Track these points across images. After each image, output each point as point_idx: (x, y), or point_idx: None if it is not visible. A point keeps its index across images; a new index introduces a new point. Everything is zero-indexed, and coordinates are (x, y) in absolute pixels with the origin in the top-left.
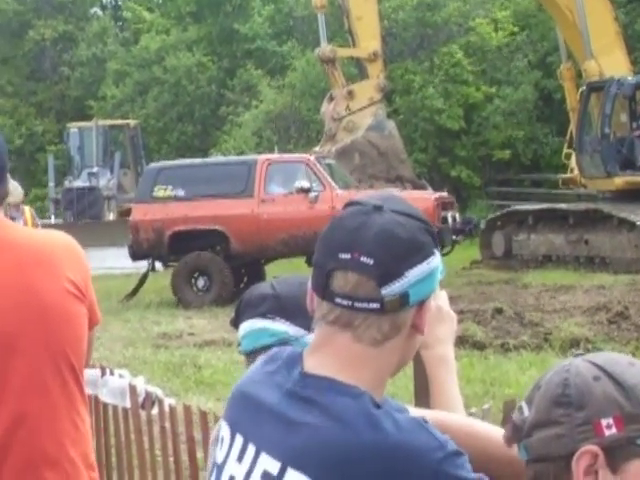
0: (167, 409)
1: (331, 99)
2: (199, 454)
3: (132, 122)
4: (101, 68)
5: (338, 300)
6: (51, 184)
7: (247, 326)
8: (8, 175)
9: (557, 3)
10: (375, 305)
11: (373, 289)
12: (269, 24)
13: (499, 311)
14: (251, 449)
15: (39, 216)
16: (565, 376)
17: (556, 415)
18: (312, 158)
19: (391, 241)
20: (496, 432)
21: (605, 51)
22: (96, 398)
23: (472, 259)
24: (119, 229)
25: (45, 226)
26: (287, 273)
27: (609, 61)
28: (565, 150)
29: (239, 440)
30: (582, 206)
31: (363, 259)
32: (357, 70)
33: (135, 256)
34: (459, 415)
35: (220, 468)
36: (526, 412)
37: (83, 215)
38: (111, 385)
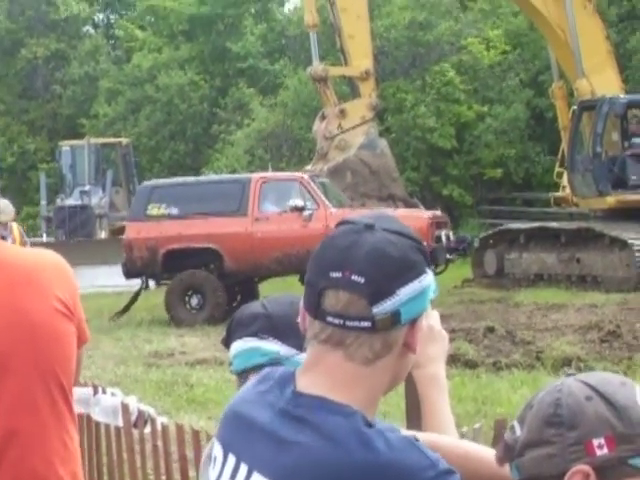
0: (159, 428)
1: (323, 118)
2: (191, 473)
3: (124, 140)
4: (93, 86)
5: (330, 319)
6: (43, 202)
7: (238, 346)
8: None
9: (549, 22)
10: (366, 324)
11: (364, 308)
12: (261, 43)
13: (491, 330)
14: (243, 468)
15: (31, 234)
16: (557, 396)
17: (548, 435)
18: (306, 177)
19: (382, 260)
20: (487, 452)
21: (597, 70)
22: (88, 417)
23: (464, 277)
24: (111, 247)
25: (37, 244)
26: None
27: (601, 80)
28: (557, 169)
29: (232, 460)
30: (574, 225)
31: (354, 278)
32: (349, 89)
33: (129, 274)
34: (450, 437)
35: None
36: (518, 431)
37: (75, 233)
38: (103, 404)
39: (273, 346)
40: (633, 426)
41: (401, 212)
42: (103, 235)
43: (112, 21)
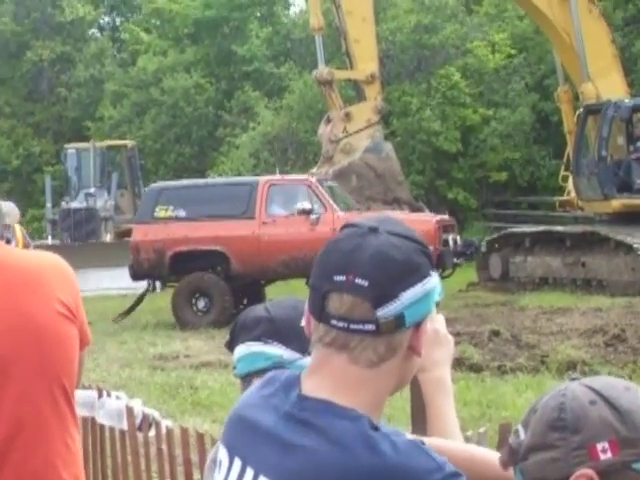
0: (164, 431)
1: (328, 121)
2: (196, 476)
3: (129, 143)
4: (99, 89)
5: (334, 322)
6: (48, 205)
7: (242, 350)
8: None
9: (554, 26)
10: (370, 327)
11: (368, 311)
12: (267, 46)
13: (496, 333)
14: (249, 472)
15: (36, 237)
16: (561, 400)
17: (552, 439)
18: (314, 180)
19: (386, 263)
20: (493, 456)
21: (602, 74)
22: (93, 420)
23: (469, 281)
24: (116, 250)
25: (42, 247)
26: (287, 295)
27: (606, 84)
28: (562, 172)
29: (237, 464)
30: (579, 229)
31: (358, 281)
32: (354, 92)
33: (136, 276)
34: (456, 441)
35: None
36: (522, 435)
37: (80, 236)
38: (108, 407)
39: (276, 350)
40: (637, 430)
41: (409, 216)
42: (108, 238)
43: (118, 24)
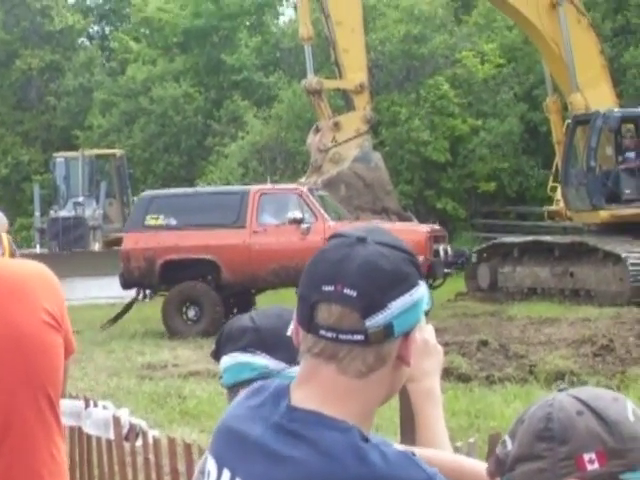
0: (151, 441)
1: (317, 130)
2: None
3: (118, 152)
4: (88, 98)
5: (322, 332)
6: (37, 213)
7: (228, 360)
8: None
9: (543, 36)
10: (359, 337)
11: (357, 321)
12: (256, 55)
13: (484, 343)
14: None
15: (24, 246)
16: (548, 410)
17: (539, 449)
18: (305, 189)
19: (374, 273)
20: (481, 467)
21: (591, 84)
22: (80, 430)
23: (458, 291)
24: (104, 259)
25: (30, 256)
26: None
27: (595, 94)
28: (551, 183)
29: (226, 474)
30: (567, 239)
31: (346, 291)
32: (343, 102)
33: (126, 285)
34: (445, 451)
35: None
36: (509, 446)
37: (68, 245)
38: (95, 417)
39: (262, 361)
40: (624, 441)
41: (400, 226)
42: (97, 247)
43: (107, 33)
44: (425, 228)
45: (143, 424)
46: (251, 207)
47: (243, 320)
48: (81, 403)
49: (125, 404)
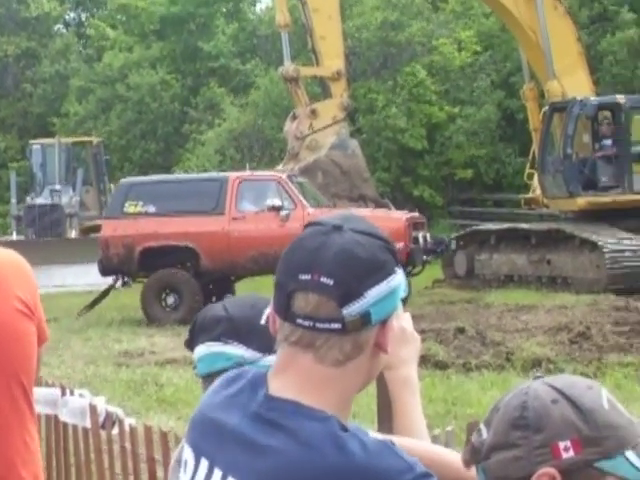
0: (127, 429)
1: (294, 118)
2: (159, 474)
3: (95, 139)
4: (64, 85)
5: (299, 321)
6: (13, 201)
7: (202, 350)
8: None
9: (520, 23)
10: (336, 325)
11: (334, 309)
12: (233, 42)
13: (461, 331)
14: (217, 473)
15: (1, 233)
16: (523, 399)
17: (514, 438)
18: (284, 176)
19: (351, 261)
20: (456, 456)
21: (568, 71)
22: (56, 418)
23: (435, 278)
24: (81, 246)
25: (6, 243)
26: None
27: (572, 81)
28: (527, 170)
29: (204, 464)
30: (544, 226)
31: (323, 280)
32: (320, 89)
33: (105, 272)
34: (422, 438)
35: None
36: (484, 434)
37: (45, 232)
38: (71, 405)
39: (237, 350)
40: (599, 429)
41: (379, 213)
42: (73, 234)
43: (83, 20)
44: (404, 215)
45: (119, 412)
46: (230, 194)
47: (216, 309)
48: (57, 391)
49: (102, 392)
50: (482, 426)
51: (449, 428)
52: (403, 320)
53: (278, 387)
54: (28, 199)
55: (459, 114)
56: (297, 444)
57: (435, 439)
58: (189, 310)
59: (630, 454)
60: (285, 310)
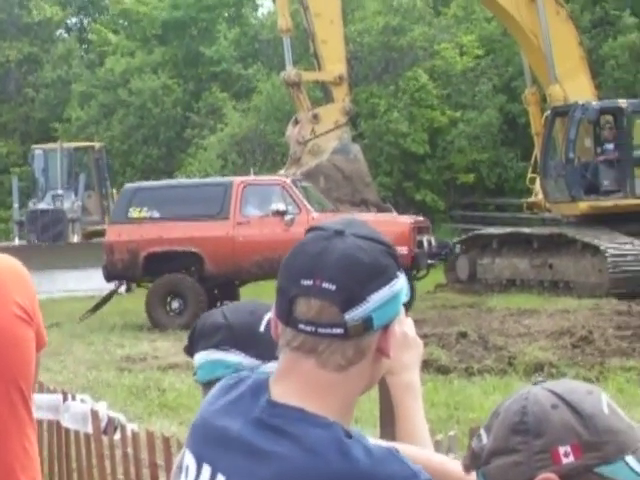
0: (129, 434)
1: (296, 122)
2: (162, 479)
3: (97, 144)
4: (66, 90)
5: (301, 326)
6: (15, 206)
7: (202, 357)
8: None
9: (522, 28)
10: (339, 330)
11: (336, 314)
12: (234, 47)
13: (463, 335)
14: (220, 479)
15: (3, 238)
16: (523, 404)
17: (514, 443)
18: (288, 181)
19: (353, 266)
20: (457, 465)
21: (570, 76)
22: (58, 423)
23: (437, 283)
24: (83, 251)
25: (9, 248)
26: (260, 296)
27: (573, 86)
28: (529, 174)
29: (207, 470)
30: (546, 230)
31: (325, 285)
32: (322, 94)
33: (109, 277)
34: (425, 444)
35: None
36: (484, 440)
37: (47, 237)
38: (73, 410)
39: (235, 358)
40: (599, 434)
41: (384, 217)
42: (75, 239)
43: (85, 25)
44: (409, 219)
45: (121, 417)
46: (235, 199)
47: (215, 316)
48: (59, 397)
49: (104, 397)
50: (482, 431)
51: (451, 433)
52: (405, 325)
53: (280, 393)
54: (30, 204)
55: (461, 118)
56: (302, 450)
57: (438, 444)
58: (194, 315)
59: (630, 459)
60: (287, 315)
